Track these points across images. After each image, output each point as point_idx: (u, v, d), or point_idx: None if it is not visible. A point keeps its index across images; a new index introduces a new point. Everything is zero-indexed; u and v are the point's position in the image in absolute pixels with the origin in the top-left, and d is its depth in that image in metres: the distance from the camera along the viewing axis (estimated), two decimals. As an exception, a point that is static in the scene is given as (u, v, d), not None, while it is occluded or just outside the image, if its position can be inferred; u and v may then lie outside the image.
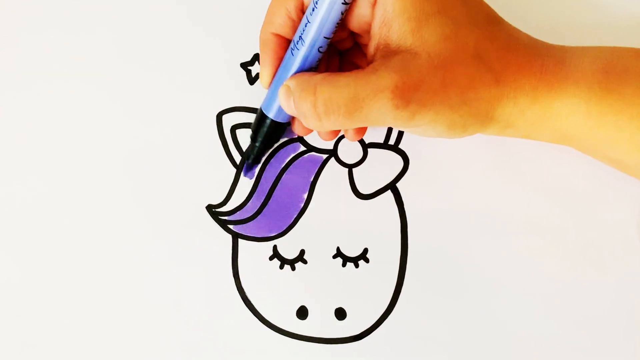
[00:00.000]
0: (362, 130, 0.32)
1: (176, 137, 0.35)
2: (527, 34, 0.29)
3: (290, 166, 0.34)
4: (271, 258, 0.33)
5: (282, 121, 0.30)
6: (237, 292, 0.33)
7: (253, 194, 0.34)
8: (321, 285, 0.33)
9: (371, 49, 0.27)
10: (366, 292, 0.33)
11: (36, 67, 0.36)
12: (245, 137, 0.34)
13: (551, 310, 0.32)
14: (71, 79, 0.35)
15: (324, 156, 0.34)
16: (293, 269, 0.33)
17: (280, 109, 0.30)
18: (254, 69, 0.35)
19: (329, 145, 0.34)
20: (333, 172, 0.34)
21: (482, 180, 0.33)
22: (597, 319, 0.32)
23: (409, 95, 0.25)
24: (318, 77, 0.27)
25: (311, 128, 0.29)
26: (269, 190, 0.34)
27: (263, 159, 0.34)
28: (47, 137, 0.35)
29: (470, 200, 0.33)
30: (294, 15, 0.28)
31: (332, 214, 0.34)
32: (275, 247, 0.33)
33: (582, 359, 0.32)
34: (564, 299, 0.32)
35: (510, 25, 0.28)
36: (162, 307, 0.33)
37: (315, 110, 0.26)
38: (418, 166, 0.34)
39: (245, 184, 0.34)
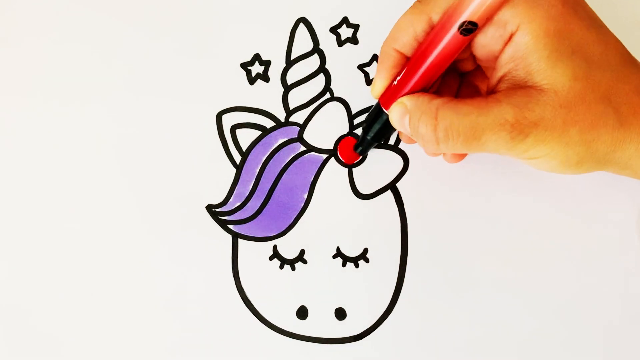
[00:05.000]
0: (462, 156, 0.32)
1: (176, 137, 0.35)
2: None
3: (290, 166, 0.34)
4: (271, 258, 0.33)
5: None
6: (237, 292, 0.33)
7: (253, 194, 0.34)
8: (321, 285, 0.33)
9: (494, 78, 0.27)
10: (366, 292, 0.33)
11: (36, 67, 0.36)
12: (245, 137, 0.34)
13: (551, 310, 0.32)
14: (70, 79, 0.35)
15: (324, 156, 0.34)
16: (293, 269, 0.33)
17: None
18: (254, 69, 0.35)
19: (329, 145, 0.34)
20: (333, 172, 0.34)
21: (482, 180, 0.33)
22: (598, 318, 0.32)
23: (528, 130, 0.25)
24: (439, 102, 0.26)
25: (423, 148, 0.30)
26: (269, 190, 0.34)
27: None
28: (47, 137, 0.35)
29: (470, 200, 0.33)
30: (420, 37, 0.28)
31: (332, 214, 0.34)
32: (275, 247, 0.33)
33: (581, 358, 0.32)
34: (565, 298, 0.32)
35: None
36: (162, 307, 0.33)
37: (435, 135, 0.26)
38: (418, 166, 0.34)
39: (245, 184, 0.34)
